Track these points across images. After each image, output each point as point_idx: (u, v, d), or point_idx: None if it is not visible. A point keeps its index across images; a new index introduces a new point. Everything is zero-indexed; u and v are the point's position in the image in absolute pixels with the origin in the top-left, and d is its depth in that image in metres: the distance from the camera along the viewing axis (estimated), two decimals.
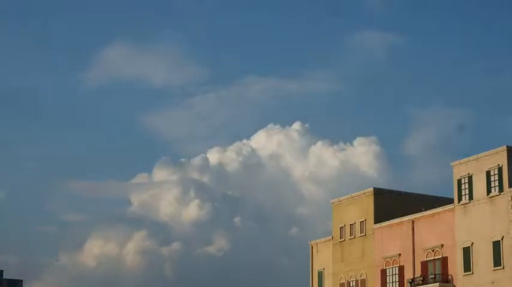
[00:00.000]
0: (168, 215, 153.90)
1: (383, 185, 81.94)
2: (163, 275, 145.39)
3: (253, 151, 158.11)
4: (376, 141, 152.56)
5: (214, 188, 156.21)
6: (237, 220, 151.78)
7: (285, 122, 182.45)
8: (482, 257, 62.49)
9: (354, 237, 75.64)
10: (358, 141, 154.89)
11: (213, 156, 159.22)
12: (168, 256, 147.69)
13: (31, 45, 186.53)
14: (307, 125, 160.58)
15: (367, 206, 74.49)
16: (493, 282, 61.34)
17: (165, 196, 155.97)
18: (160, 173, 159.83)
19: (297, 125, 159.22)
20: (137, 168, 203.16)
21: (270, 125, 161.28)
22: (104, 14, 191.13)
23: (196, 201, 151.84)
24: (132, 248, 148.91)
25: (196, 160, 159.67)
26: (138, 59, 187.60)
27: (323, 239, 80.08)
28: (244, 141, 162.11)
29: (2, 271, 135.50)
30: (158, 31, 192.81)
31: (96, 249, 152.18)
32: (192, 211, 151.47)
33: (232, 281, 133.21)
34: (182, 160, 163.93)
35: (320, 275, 79.47)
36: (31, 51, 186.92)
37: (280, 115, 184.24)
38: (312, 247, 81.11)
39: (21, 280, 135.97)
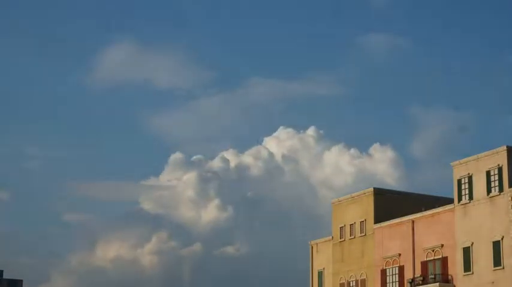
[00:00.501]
0: (187, 216, 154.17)
1: (395, 187, 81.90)
2: (182, 277, 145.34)
3: (270, 153, 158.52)
4: (390, 146, 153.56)
5: (227, 189, 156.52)
6: (256, 221, 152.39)
7: (294, 124, 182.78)
8: (482, 257, 62.47)
9: (354, 237, 75.62)
10: (373, 147, 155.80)
11: (224, 159, 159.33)
12: (188, 257, 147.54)
13: (36, 46, 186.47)
14: (321, 131, 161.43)
15: (367, 206, 74.46)
16: (493, 282, 61.32)
17: (180, 197, 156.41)
18: (173, 175, 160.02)
19: (311, 131, 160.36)
20: (149, 169, 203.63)
21: (282, 128, 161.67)
22: (110, 16, 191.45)
23: (216, 201, 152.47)
24: (149, 249, 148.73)
25: (212, 162, 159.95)
26: (143, 61, 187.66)
27: (323, 239, 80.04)
28: (258, 143, 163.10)
29: (2, 271, 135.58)
30: (164, 33, 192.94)
31: (111, 250, 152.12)
32: (211, 211, 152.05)
33: (251, 282, 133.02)
34: (193, 159, 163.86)
35: (320, 275, 79.47)
36: (36, 52, 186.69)
37: (288, 117, 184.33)
38: (312, 247, 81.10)
39: (21, 280, 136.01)
